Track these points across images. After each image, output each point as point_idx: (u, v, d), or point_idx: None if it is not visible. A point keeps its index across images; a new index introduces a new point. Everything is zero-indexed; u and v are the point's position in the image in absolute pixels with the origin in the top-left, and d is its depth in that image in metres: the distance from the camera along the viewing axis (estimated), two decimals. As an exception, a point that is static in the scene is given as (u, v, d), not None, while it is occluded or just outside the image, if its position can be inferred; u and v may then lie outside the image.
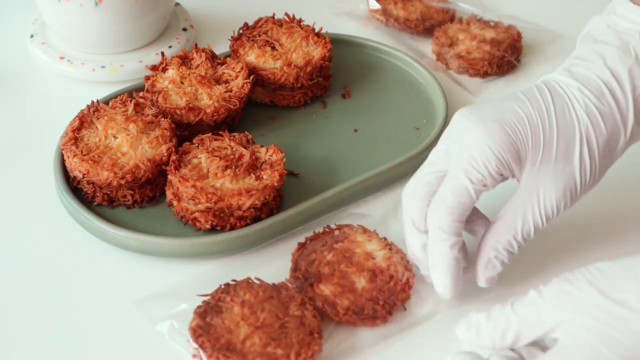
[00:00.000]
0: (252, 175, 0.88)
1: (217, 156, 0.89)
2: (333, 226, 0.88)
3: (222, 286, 0.81)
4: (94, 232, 0.88)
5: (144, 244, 0.86)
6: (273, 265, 0.86)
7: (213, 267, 0.86)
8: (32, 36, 1.12)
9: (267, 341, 0.76)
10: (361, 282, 0.82)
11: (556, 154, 0.79)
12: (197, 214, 0.87)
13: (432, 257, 0.80)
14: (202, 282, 0.83)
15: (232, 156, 0.90)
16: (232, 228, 0.87)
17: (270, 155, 0.90)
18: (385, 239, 0.86)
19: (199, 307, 0.79)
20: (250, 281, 0.81)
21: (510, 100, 0.80)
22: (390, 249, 0.85)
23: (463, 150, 0.79)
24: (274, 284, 0.81)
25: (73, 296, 0.85)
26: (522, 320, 0.71)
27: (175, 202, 0.88)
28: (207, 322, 0.77)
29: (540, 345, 0.73)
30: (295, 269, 0.84)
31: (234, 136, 0.92)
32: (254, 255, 0.88)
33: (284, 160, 0.90)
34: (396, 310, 0.81)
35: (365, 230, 0.87)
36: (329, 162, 0.98)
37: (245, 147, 0.91)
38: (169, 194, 0.89)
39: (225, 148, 0.91)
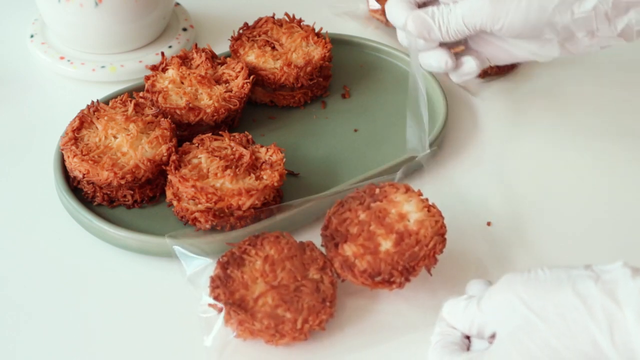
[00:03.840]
0: (252, 175, 0.88)
1: (217, 156, 0.89)
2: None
3: (252, 237, 0.82)
4: (94, 232, 0.88)
5: (144, 244, 0.86)
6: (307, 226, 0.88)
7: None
8: (32, 36, 1.12)
9: (279, 303, 0.77)
10: (386, 244, 0.81)
11: None
12: (197, 214, 0.87)
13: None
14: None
15: (232, 156, 0.90)
16: (232, 228, 0.87)
17: (270, 155, 0.90)
18: (427, 199, 0.84)
19: (223, 256, 0.80)
20: (279, 236, 0.82)
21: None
22: (428, 211, 0.83)
23: None
24: (300, 242, 0.82)
25: (73, 296, 0.85)
26: (483, 317, 0.73)
27: (175, 202, 0.88)
28: (227, 273, 0.79)
29: None
30: (326, 227, 0.83)
31: (234, 136, 0.92)
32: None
33: (284, 160, 0.90)
34: (418, 275, 0.81)
35: (408, 190, 0.85)
36: (329, 162, 0.98)
37: (245, 147, 0.91)
38: (169, 194, 0.89)
39: (225, 148, 0.91)
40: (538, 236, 0.92)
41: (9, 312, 0.83)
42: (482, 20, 0.86)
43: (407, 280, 0.80)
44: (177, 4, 1.18)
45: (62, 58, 1.09)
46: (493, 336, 0.74)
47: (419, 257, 0.80)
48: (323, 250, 0.83)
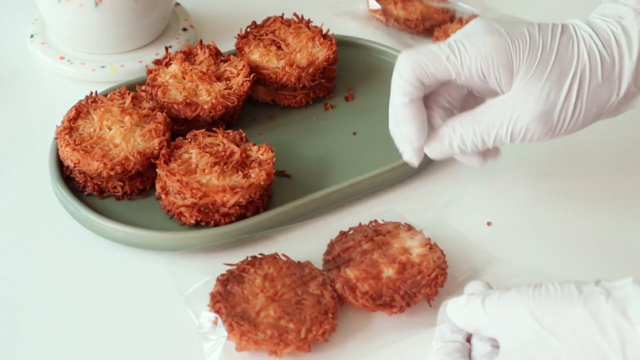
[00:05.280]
0: (240, 172, 0.87)
1: (208, 152, 0.89)
2: (380, 221, 0.87)
3: (249, 258, 0.82)
4: (82, 222, 0.89)
5: (129, 235, 0.86)
6: (306, 246, 0.86)
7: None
8: (32, 36, 1.13)
9: (281, 314, 0.77)
10: (388, 272, 0.81)
11: (548, 76, 0.78)
12: (182, 209, 0.87)
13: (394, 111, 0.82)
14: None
15: (222, 153, 0.89)
16: (217, 224, 0.87)
17: (261, 154, 0.90)
18: (429, 239, 0.85)
19: (222, 275, 0.80)
20: (276, 257, 0.82)
21: (523, 22, 0.81)
22: (430, 248, 0.84)
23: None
24: (299, 262, 0.82)
25: (62, 286, 0.85)
26: (487, 320, 0.72)
27: (163, 196, 0.88)
28: (227, 289, 0.79)
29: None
30: (328, 252, 0.84)
31: (228, 133, 0.92)
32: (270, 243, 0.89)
33: (274, 159, 0.89)
34: (418, 303, 0.80)
35: (410, 228, 0.86)
36: (323, 164, 0.97)
37: (237, 145, 0.90)
38: (158, 187, 0.89)
39: (218, 145, 0.91)
40: (538, 236, 0.91)
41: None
42: (533, 139, 0.81)
43: (408, 305, 0.80)
44: (177, 4, 1.19)
45: (62, 58, 1.09)
46: (492, 340, 0.73)
47: (421, 284, 0.80)
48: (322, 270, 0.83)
